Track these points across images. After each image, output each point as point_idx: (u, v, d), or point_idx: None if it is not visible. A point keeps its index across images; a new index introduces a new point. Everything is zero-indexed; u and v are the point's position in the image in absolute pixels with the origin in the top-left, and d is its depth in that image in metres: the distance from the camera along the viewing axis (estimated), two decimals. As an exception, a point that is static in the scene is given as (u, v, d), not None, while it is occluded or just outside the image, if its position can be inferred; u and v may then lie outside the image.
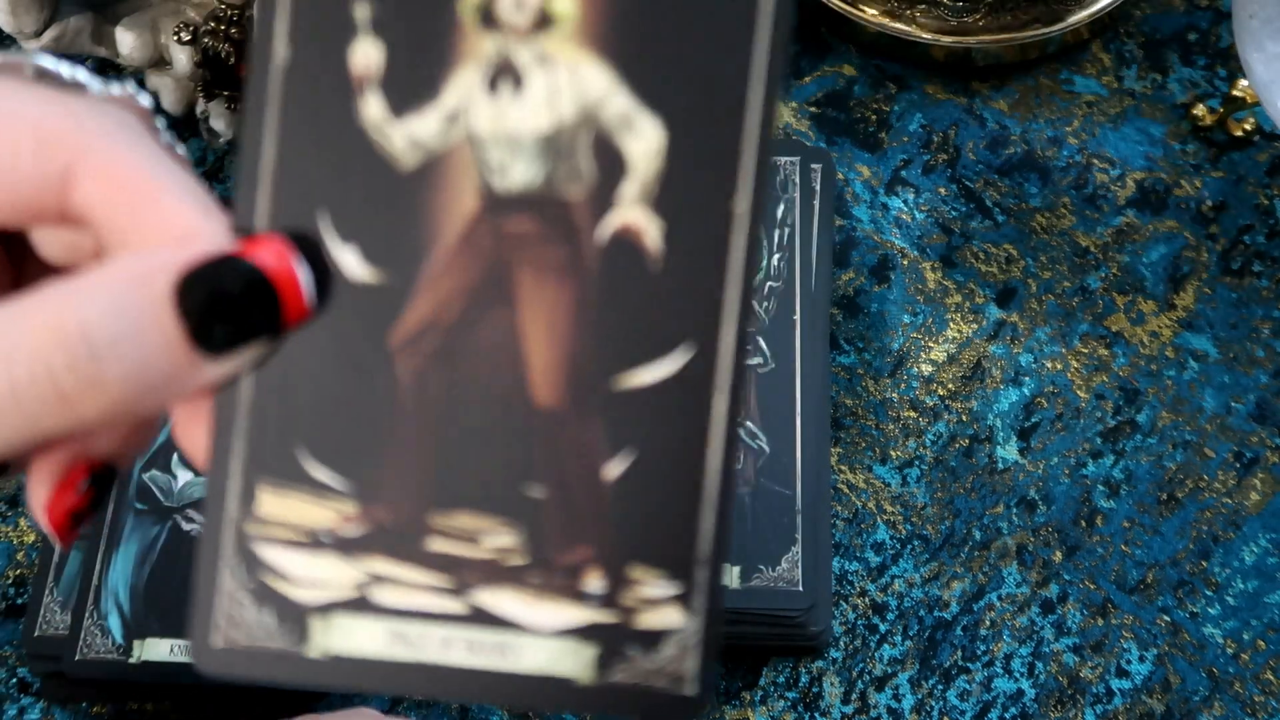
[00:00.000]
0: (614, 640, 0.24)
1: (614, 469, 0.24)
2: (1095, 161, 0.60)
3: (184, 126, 0.61)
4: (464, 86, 0.24)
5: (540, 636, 0.24)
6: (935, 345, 0.56)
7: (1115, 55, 0.63)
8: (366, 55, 0.24)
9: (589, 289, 0.24)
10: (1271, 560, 0.51)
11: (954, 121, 0.61)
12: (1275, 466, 0.53)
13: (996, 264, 0.58)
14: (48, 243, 0.26)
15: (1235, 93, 0.59)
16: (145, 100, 0.26)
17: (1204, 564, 0.51)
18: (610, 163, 0.24)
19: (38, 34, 0.53)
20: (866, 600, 0.51)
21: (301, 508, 0.24)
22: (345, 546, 0.24)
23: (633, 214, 0.24)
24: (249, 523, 0.24)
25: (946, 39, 0.61)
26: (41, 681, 0.50)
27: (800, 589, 0.47)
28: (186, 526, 0.50)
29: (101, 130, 0.23)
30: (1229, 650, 0.50)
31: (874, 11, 0.62)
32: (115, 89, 0.26)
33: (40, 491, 0.25)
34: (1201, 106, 0.60)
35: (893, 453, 0.53)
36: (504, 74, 0.24)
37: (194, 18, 0.54)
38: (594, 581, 0.24)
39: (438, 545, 0.24)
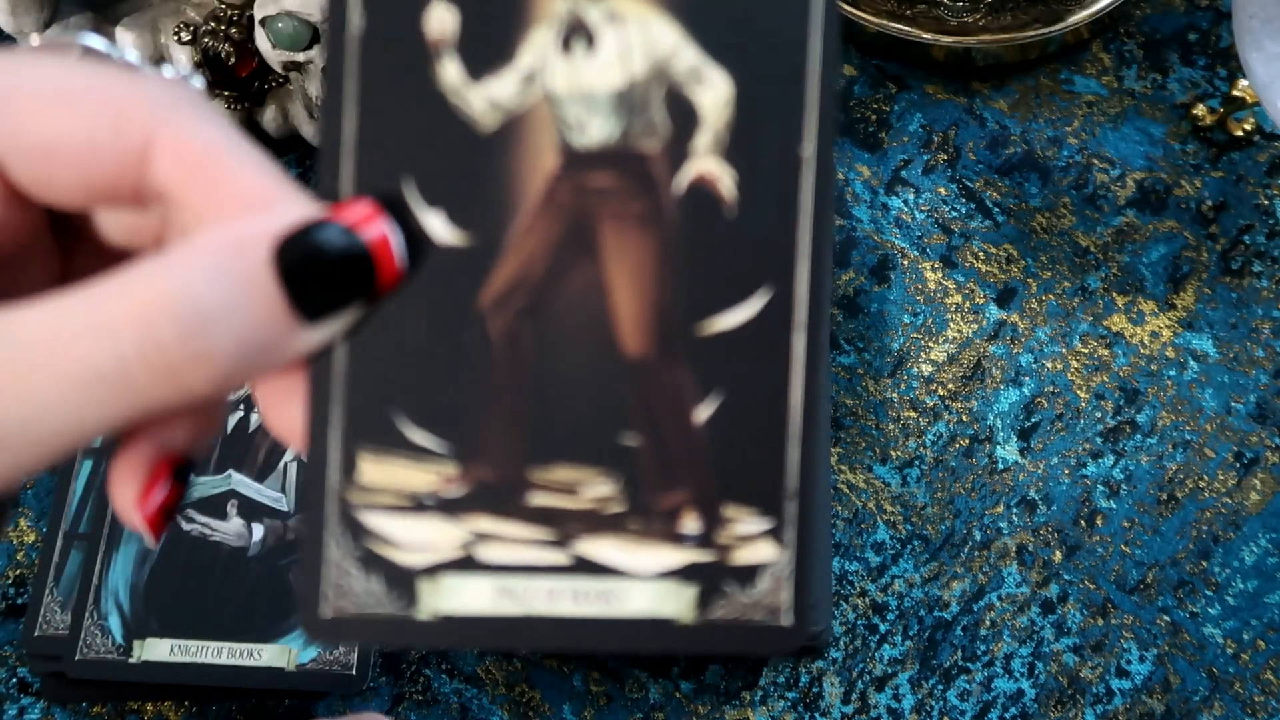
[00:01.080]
0: (712, 578, 0.24)
1: (704, 412, 0.24)
2: (1095, 161, 0.60)
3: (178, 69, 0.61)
4: (538, 46, 0.24)
5: (642, 580, 0.24)
6: (935, 345, 0.56)
7: (1115, 55, 0.63)
8: (441, 20, 0.24)
9: (669, 238, 0.24)
10: (1271, 560, 0.51)
11: (954, 121, 0.61)
12: (1275, 466, 0.53)
13: (996, 264, 0.58)
14: (110, 224, 0.26)
15: (1235, 93, 0.59)
16: (198, 82, 0.26)
17: (1204, 564, 0.51)
18: (683, 115, 0.24)
19: (38, 34, 0.53)
20: (866, 600, 0.51)
21: (403, 472, 0.24)
22: (448, 507, 0.25)
23: (707, 163, 0.24)
24: (351, 491, 0.25)
25: (946, 39, 0.61)
26: (41, 681, 0.50)
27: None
28: (186, 527, 0.50)
29: (174, 104, 0.23)
30: (1229, 650, 0.50)
31: (874, 11, 0.62)
32: (168, 71, 0.26)
33: (128, 489, 0.25)
34: (1201, 106, 0.60)
35: (893, 453, 0.53)
36: (576, 33, 0.24)
37: (194, 18, 0.54)
38: (691, 523, 0.25)
39: (538, 499, 0.25)
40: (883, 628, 0.50)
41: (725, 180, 0.24)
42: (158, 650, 0.48)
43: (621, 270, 0.24)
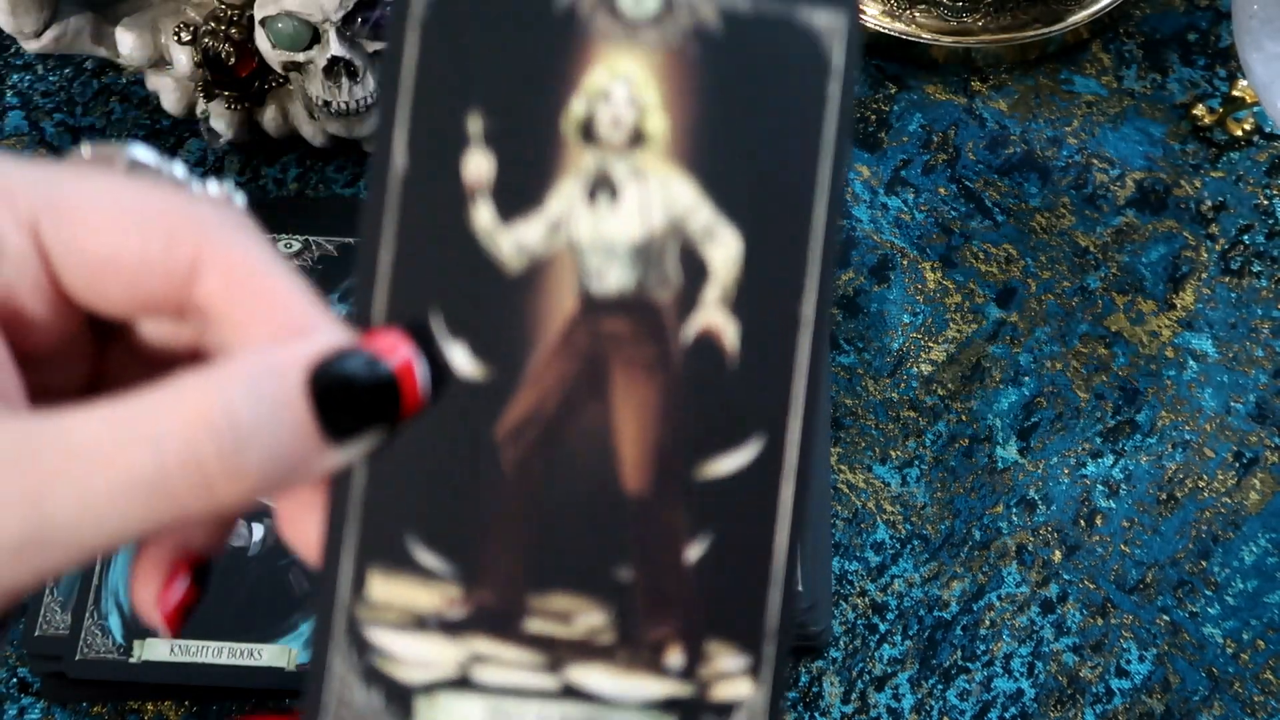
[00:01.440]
0: (692, 711, 0.26)
1: (694, 551, 0.26)
2: (1095, 161, 0.60)
3: (184, 126, 0.61)
4: (566, 197, 0.26)
5: (626, 709, 0.26)
6: (935, 345, 0.56)
7: (1115, 55, 0.63)
8: (478, 166, 0.26)
9: (674, 385, 0.26)
10: (1271, 560, 0.51)
11: (954, 121, 0.61)
12: (1275, 466, 0.53)
13: (996, 264, 0.58)
14: (150, 331, 0.27)
15: (1235, 93, 0.59)
16: (240, 198, 0.27)
17: (1203, 564, 0.51)
18: (694, 269, 0.26)
19: (38, 34, 0.53)
20: (866, 600, 0.51)
21: (410, 592, 0.26)
22: (449, 628, 0.26)
23: (714, 316, 0.26)
24: (360, 607, 0.26)
25: (946, 39, 0.61)
26: (41, 681, 0.50)
27: (800, 589, 0.47)
28: (187, 526, 0.50)
29: (221, 225, 0.24)
30: (1228, 650, 0.50)
31: (874, 11, 0.62)
32: (213, 187, 0.27)
33: (148, 588, 0.26)
34: (1201, 106, 0.60)
35: (892, 452, 0.54)
36: (602, 186, 0.26)
37: (194, 18, 0.54)
38: (675, 656, 0.26)
39: (534, 625, 0.26)
40: (882, 627, 0.50)
41: (729, 332, 0.26)
42: (158, 650, 0.48)
43: (628, 412, 0.26)
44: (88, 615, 0.48)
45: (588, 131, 0.26)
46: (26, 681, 0.50)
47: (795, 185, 0.26)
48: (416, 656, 0.26)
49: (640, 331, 0.26)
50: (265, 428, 0.23)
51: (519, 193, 0.26)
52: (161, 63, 0.56)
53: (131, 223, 0.24)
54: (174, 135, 0.62)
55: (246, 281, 0.24)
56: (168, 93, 0.57)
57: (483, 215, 0.26)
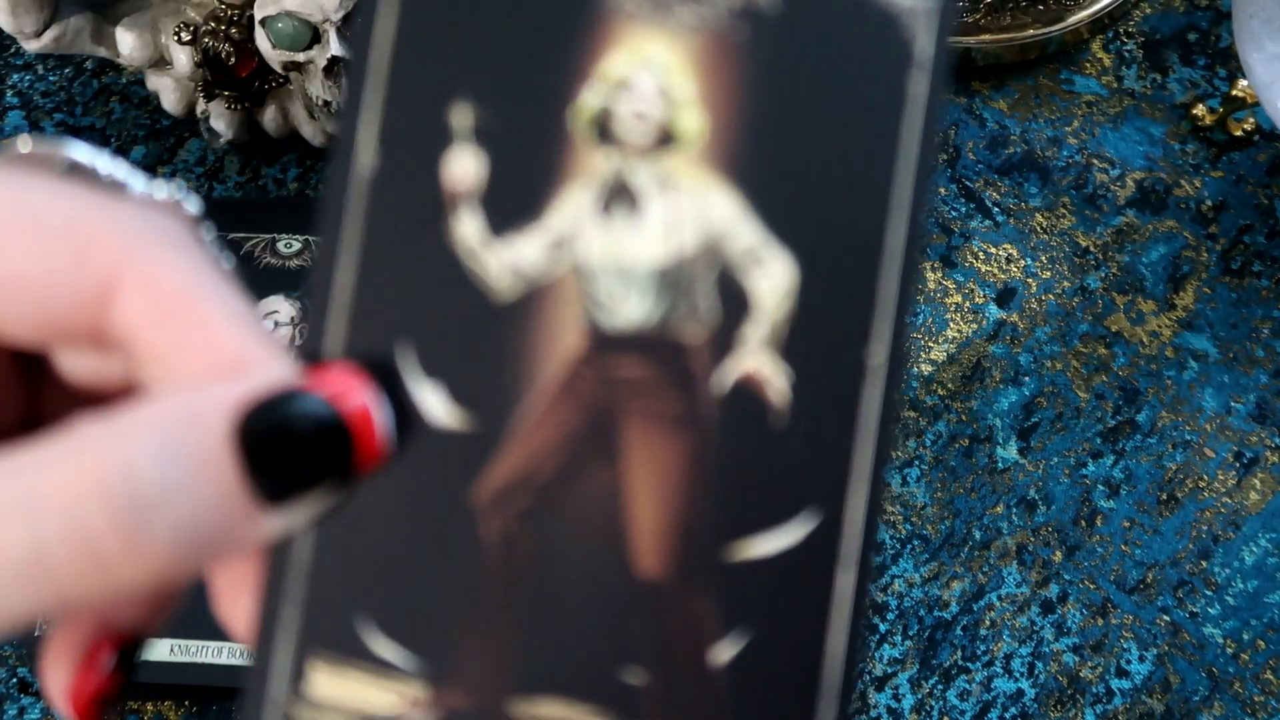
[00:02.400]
0: None
1: (725, 652, 0.21)
2: (1095, 161, 0.60)
3: (184, 126, 0.61)
4: (573, 208, 0.21)
5: None
6: (935, 345, 0.56)
7: (1115, 55, 0.63)
8: (464, 168, 0.21)
9: (704, 444, 0.21)
10: (1271, 560, 0.51)
11: (954, 121, 0.61)
12: (1275, 466, 0.53)
13: (996, 264, 0.58)
14: (71, 364, 0.23)
15: (1235, 92, 0.59)
16: (193, 205, 0.23)
17: (1204, 564, 0.51)
18: (734, 302, 0.21)
19: (38, 34, 0.53)
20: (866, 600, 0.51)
21: (361, 689, 0.21)
22: None
23: (757, 361, 0.21)
24: (297, 706, 0.21)
25: (946, 39, 0.61)
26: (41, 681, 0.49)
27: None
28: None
29: (145, 240, 0.20)
30: (1229, 650, 0.50)
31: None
32: (160, 191, 0.23)
33: (58, 673, 0.22)
34: (1201, 106, 0.60)
35: (892, 453, 0.53)
36: (619, 196, 0.21)
37: (194, 18, 0.54)
38: None
39: None
40: (883, 628, 0.50)
41: (776, 382, 0.21)
42: (158, 650, 0.48)
43: (644, 475, 0.21)
44: (88, 615, 0.48)
45: (603, 129, 0.21)
46: (26, 681, 0.50)
47: (864, 202, 0.21)
48: None
49: (662, 377, 0.21)
50: (179, 491, 0.18)
51: (514, 201, 0.21)
52: (161, 63, 0.56)
53: (34, 236, 0.19)
54: (174, 135, 0.62)
55: (171, 304, 0.19)
56: (168, 93, 0.57)
57: (467, 228, 0.21)
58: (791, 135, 0.21)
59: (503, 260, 0.21)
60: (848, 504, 0.21)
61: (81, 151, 0.22)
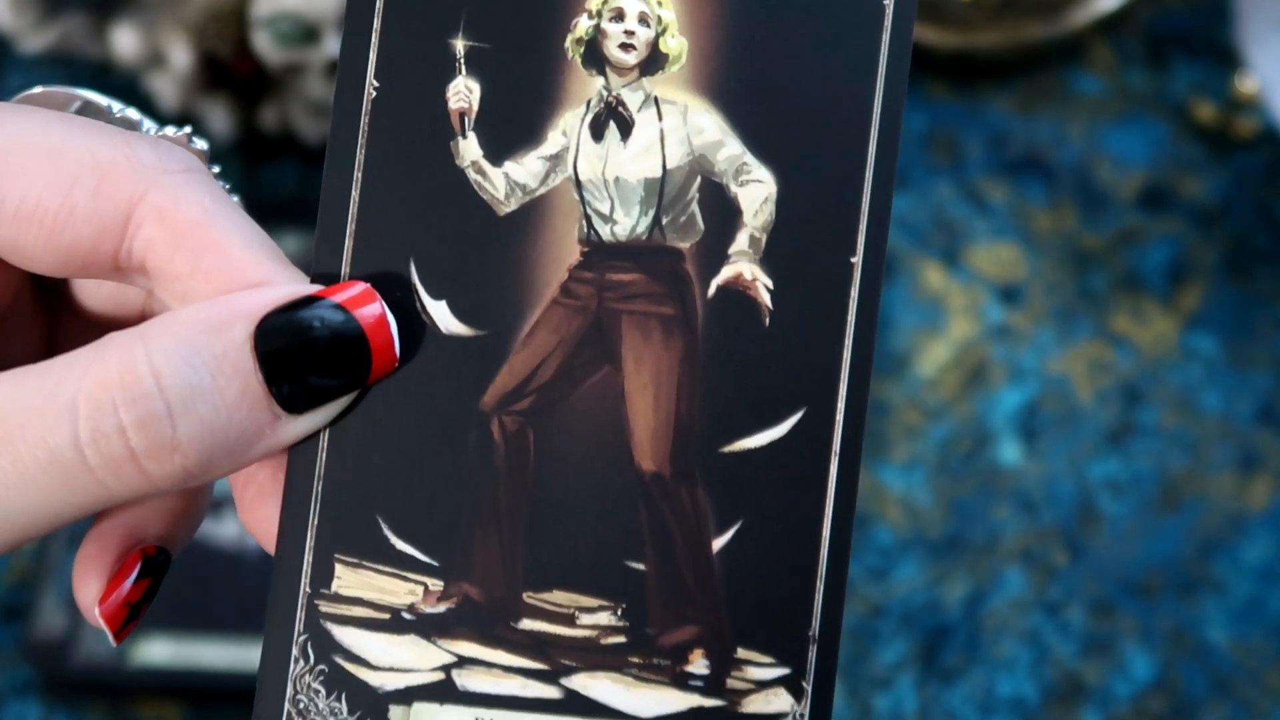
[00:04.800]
0: None
1: (721, 539, 0.22)
2: (1098, 161, 0.60)
3: (184, 126, 0.61)
4: (568, 128, 0.23)
5: None
6: (937, 346, 0.56)
7: (1118, 54, 0.63)
8: (464, 91, 0.22)
9: (697, 345, 0.22)
10: (1275, 562, 0.51)
11: (956, 121, 0.61)
12: (1278, 467, 0.53)
13: (999, 264, 0.57)
14: (91, 292, 0.24)
15: (1239, 92, 0.59)
16: (201, 143, 0.24)
17: (1207, 566, 0.51)
18: (721, 212, 0.22)
19: (37, 34, 0.53)
20: (868, 602, 0.51)
21: (382, 583, 0.22)
22: (429, 625, 0.22)
23: (745, 266, 0.23)
24: (324, 601, 0.22)
25: (948, 38, 0.61)
26: (41, 681, 0.50)
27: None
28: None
29: (164, 170, 0.21)
30: (1232, 653, 0.49)
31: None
32: (170, 129, 0.24)
33: (90, 584, 0.23)
34: (1205, 106, 0.60)
35: (895, 454, 0.53)
36: (610, 115, 0.23)
37: (194, 17, 0.54)
38: (699, 663, 0.22)
39: (530, 624, 0.22)
40: (885, 630, 0.50)
41: (764, 285, 0.22)
42: (157, 651, 0.48)
43: (642, 376, 0.22)
44: (87, 616, 0.48)
45: (593, 53, 0.23)
46: (26, 681, 0.50)
47: (843, 115, 0.22)
48: (389, 658, 0.22)
49: (656, 284, 0.22)
50: (202, 393, 0.19)
51: (513, 122, 0.22)
52: (160, 62, 0.56)
53: (56, 167, 0.20)
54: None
55: (189, 231, 0.21)
56: (167, 93, 0.57)
57: (469, 148, 0.22)
58: (770, 53, 0.22)
59: (505, 175, 0.22)
60: (836, 398, 0.22)
61: (94, 94, 0.24)
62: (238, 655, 0.48)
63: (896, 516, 0.52)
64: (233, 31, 0.54)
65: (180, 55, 0.54)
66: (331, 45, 0.52)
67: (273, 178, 0.60)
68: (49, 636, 0.48)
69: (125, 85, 0.63)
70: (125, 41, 0.54)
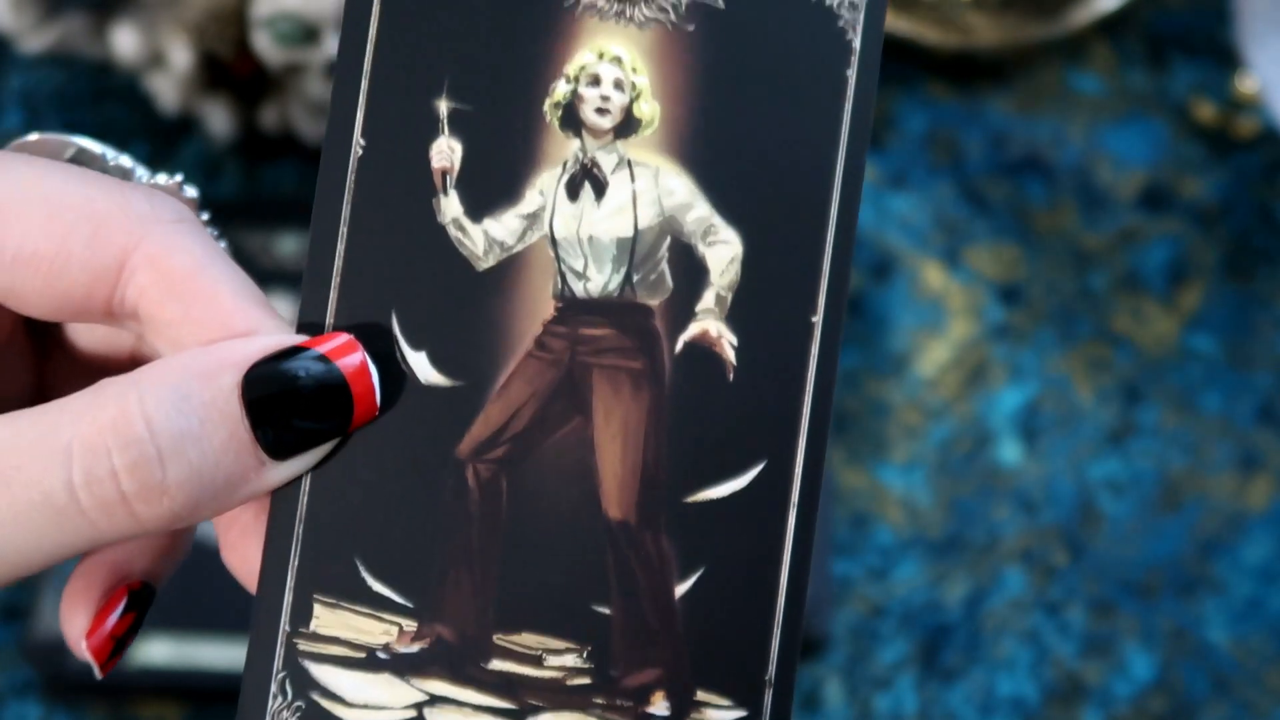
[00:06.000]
0: None
1: (685, 585, 0.23)
2: (1098, 161, 0.60)
3: (182, 127, 0.61)
4: (545, 188, 0.24)
5: None
6: (937, 346, 0.56)
7: (1119, 54, 0.63)
8: (446, 150, 0.23)
9: (665, 399, 0.23)
10: (1275, 562, 0.51)
11: (956, 121, 0.61)
12: (1278, 467, 0.53)
13: (999, 264, 0.57)
14: (83, 335, 0.25)
15: (1239, 92, 0.59)
16: (192, 191, 0.25)
17: (1207, 566, 0.51)
18: (690, 271, 0.24)
19: (38, 34, 0.53)
20: (868, 603, 0.51)
21: (358, 623, 0.23)
22: (402, 665, 0.23)
23: (711, 324, 0.24)
24: (302, 639, 0.23)
25: (948, 38, 0.61)
26: (41, 681, 0.50)
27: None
28: (186, 528, 0.50)
29: (156, 219, 0.22)
30: (1232, 652, 0.49)
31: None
32: (161, 177, 0.25)
33: (78, 617, 0.24)
34: (1205, 106, 0.60)
35: (895, 454, 0.53)
36: (586, 177, 0.24)
37: (194, 18, 0.54)
38: (661, 705, 0.23)
39: (499, 665, 0.23)
40: (884, 630, 0.50)
41: (728, 342, 0.23)
42: (158, 651, 0.48)
43: (611, 428, 0.23)
44: (87, 617, 0.48)
45: (571, 117, 0.23)
46: (26, 681, 0.50)
47: (806, 180, 0.23)
48: (364, 696, 0.23)
49: (626, 339, 0.23)
50: (191, 439, 0.20)
51: (493, 181, 0.23)
52: (161, 62, 0.56)
53: (53, 216, 0.21)
54: (173, 135, 0.61)
55: (180, 280, 0.22)
56: (167, 93, 0.57)
57: (450, 206, 0.23)
58: (738, 119, 0.23)
59: (484, 232, 0.23)
60: (796, 451, 0.23)
61: (89, 141, 0.25)
62: (238, 655, 0.48)
63: (896, 516, 0.52)
64: (233, 31, 0.54)
65: (180, 55, 0.54)
66: (331, 45, 0.52)
67: (273, 178, 0.60)
68: (49, 636, 0.48)
69: (125, 85, 0.63)
70: (125, 41, 0.54)
